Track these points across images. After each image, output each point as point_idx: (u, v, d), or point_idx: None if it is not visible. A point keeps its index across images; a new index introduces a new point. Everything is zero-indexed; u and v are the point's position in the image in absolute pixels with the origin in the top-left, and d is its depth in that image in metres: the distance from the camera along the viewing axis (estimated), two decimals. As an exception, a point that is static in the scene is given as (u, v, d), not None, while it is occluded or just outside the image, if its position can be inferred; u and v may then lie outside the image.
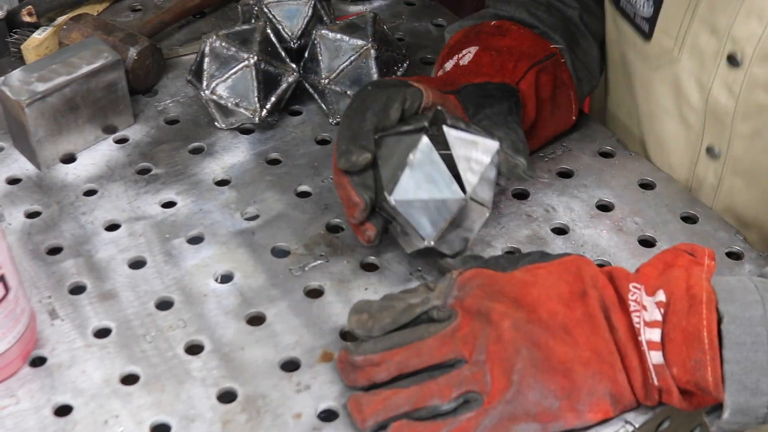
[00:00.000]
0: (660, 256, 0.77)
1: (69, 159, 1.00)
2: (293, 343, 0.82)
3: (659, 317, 0.72)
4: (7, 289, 0.76)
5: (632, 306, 0.73)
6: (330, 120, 1.05)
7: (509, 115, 0.90)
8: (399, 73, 1.04)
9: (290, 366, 0.80)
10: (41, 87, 0.95)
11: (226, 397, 0.78)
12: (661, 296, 0.72)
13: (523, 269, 0.77)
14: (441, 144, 0.80)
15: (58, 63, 0.98)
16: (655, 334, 0.71)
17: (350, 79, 1.02)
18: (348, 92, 1.02)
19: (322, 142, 1.03)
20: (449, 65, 0.95)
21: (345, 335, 0.82)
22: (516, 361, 0.72)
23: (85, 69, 0.97)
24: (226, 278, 0.87)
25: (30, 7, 1.09)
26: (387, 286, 0.86)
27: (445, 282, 0.77)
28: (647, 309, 0.73)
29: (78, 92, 0.97)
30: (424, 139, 0.80)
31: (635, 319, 0.73)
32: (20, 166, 0.99)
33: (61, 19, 1.12)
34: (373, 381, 0.75)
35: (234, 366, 0.80)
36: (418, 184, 0.80)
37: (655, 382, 0.72)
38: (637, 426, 0.75)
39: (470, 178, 0.80)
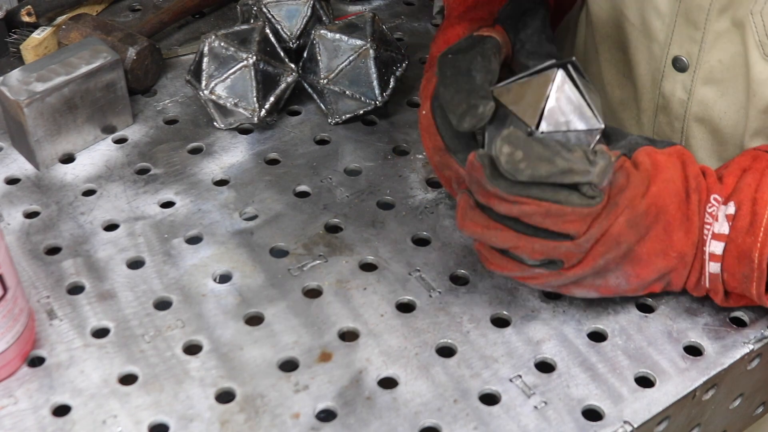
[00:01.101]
0: (739, 160, 0.80)
1: (68, 159, 1.00)
2: (292, 343, 0.82)
3: (726, 230, 0.77)
4: (5, 288, 0.76)
5: (707, 218, 0.78)
6: (329, 120, 1.05)
7: (542, 34, 0.88)
8: (398, 74, 1.04)
9: (289, 366, 0.80)
10: (40, 87, 0.95)
11: (225, 397, 0.78)
12: (731, 208, 0.77)
13: (646, 158, 0.78)
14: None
15: (57, 63, 0.98)
16: (718, 248, 0.78)
17: (349, 79, 1.02)
18: (347, 92, 1.02)
19: (321, 142, 1.03)
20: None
21: (344, 335, 0.82)
22: (610, 251, 0.76)
23: (84, 69, 0.97)
24: (224, 278, 0.87)
25: (29, 7, 1.10)
26: (386, 286, 0.86)
27: (605, 161, 0.73)
28: (718, 220, 0.78)
29: (77, 92, 0.97)
30: (560, 72, 0.77)
31: (705, 232, 0.78)
32: (19, 166, 0.99)
33: (60, 19, 1.12)
34: (490, 207, 0.74)
35: (232, 366, 0.80)
36: (562, 115, 0.77)
37: (707, 284, 0.80)
38: (636, 426, 0.76)
39: (599, 112, 0.78)
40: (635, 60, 0.92)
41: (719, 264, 0.78)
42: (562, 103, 0.77)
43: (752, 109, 0.85)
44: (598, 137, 0.78)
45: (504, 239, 0.75)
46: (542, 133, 0.76)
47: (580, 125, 0.77)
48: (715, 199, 0.78)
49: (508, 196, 0.72)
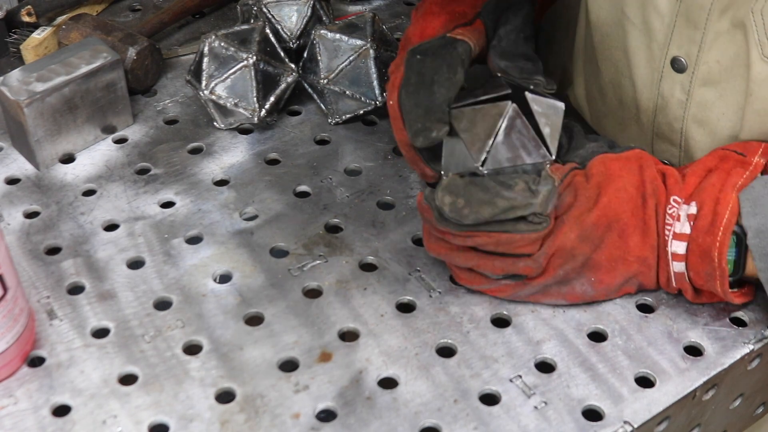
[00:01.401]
0: (706, 160, 0.83)
1: (68, 159, 1.00)
2: (292, 343, 0.82)
3: (688, 230, 0.79)
4: (5, 288, 0.76)
5: (667, 219, 0.80)
6: (329, 120, 1.05)
7: (521, 33, 0.90)
8: (398, 73, 1.04)
9: (289, 366, 0.80)
10: (40, 87, 0.95)
11: (225, 397, 0.78)
12: (693, 209, 0.79)
13: (599, 166, 0.81)
14: (522, 108, 0.82)
15: (57, 63, 0.98)
16: (681, 247, 0.80)
17: (349, 79, 1.02)
18: (347, 92, 1.02)
19: (321, 142, 1.03)
20: None
21: (344, 335, 0.82)
22: (567, 262, 0.80)
23: (84, 69, 0.97)
24: (224, 278, 0.87)
25: (29, 7, 1.10)
26: (386, 286, 0.86)
27: (548, 187, 0.78)
28: (680, 220, 0.80)
29: (77, 92, 0.97)
30: (512, 107, 0.81)
31: (666, 232, 0.80)
32: (19, 166, 0.99)
33: (60, 19, 1.12)
34: (446, 252, 0.81)
35: (232, 366, 0.80)
36: (509, 151, 0.81)
37: (674, 284, 0.82)
38: (636, 426, 0.75)
39: (553, 141, 0.82)
40: (634, 60, 0.92)
41: (683, 263, 0.80)
42: (512, 139, 0.80)
43: (749, 109, 0.85)
44: (548, 164, 0.81)
45: (466, 259, 0.81)
46: (486, 172, 0.80)
47: (528, 159, 0.81)
48: (675, 201, 0.80)
49: (458, 233, 0.78)
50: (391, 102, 0.88)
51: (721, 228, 0.78)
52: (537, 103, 0.82)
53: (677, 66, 0.89)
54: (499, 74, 0.86)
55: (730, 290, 0.80)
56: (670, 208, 0.80)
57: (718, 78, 0.87)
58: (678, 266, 0.80)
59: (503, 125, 0.80)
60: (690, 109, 0.90)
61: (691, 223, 0.79)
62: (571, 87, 1.07)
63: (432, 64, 0.84)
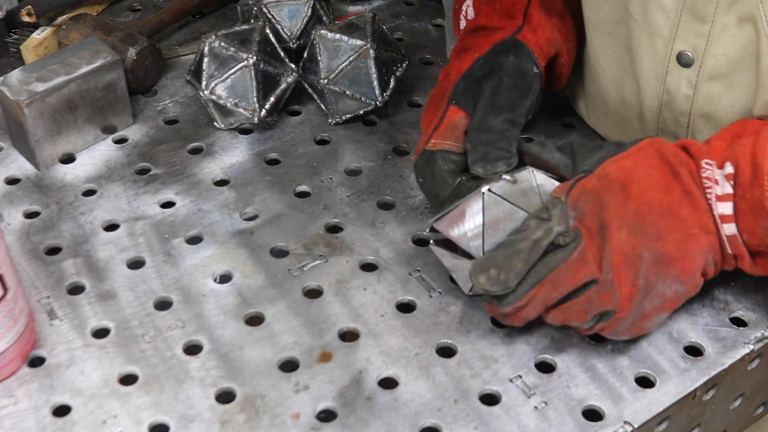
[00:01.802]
0: (729, 128, 0.81)
1: (68, 159, 1.00)
2: (292, 343, 0.82)
3: (730, 190, 0.77)
4: (5, 289, 0.76)
5: (705, 183, 0.77)
6: (329, 120, 1.05)
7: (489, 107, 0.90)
8: (398, 74, 1.04)
9: (289, 366, 0.80)
10: (40, 87, 0.95)
11: (225, 397, 0.78)
12: (729, 168, 0.77)
13: (612, 166, 0.79)
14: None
15: (57, 63, 0.98)
16: (727, 208, 0.77)
17: (349, 79, 1.02)
18: (347, 92, 1.02)
19: (321, 142, 1.03)
20: (462, 23, 0.98)
21: (344, 335, 0.82)
22: (639, 266, 0.75)
23: (84, 69, 0.97)
24: (225, 278, 0.87)
25: (29, 7, 1.10)
26: (386, 286, 0.86)
27: (557, 206, 0.77)
28: (719, 183, 0.77)
29: (77, 92, 0.97)
30: (486, 196, 0.82)
31: (708, 196, 0.77)
32: (19, 166, 0.99)
33: (60, 19, 1.12)
34: (526, 320, 0.79)
35: (233, 366, 0.80)
36: (501, 231, 0.81)
37: (729, 250, 0.78)
38: (636, 426, 0.75)
39: (531, 207, 0.81)
40: (638, 57, 0.92)
41: (733, 224, 0.77)
42: (498, 220, 0.80)
43: (759, 99, 0.85)
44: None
45: (554, 319, 0.79)
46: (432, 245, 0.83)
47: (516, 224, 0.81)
48: (707, 164, 0.78)
49: (522, 302, 0.77)
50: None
51: (766, 177, 0.75)
52: (506, 183, 0.83)
53: (683, 60, 0.89)
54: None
55: None
56: (704, 172, 0.78)
57: (726, 71, 0.86)
58: (728, 228, 0.77)
59: (487, 216, 0.81)
60: (697, 103, 0.90)
61: (731, 182, 0.77)
62: (568, 89, 1.07)
63: (509, 90, 0.88)
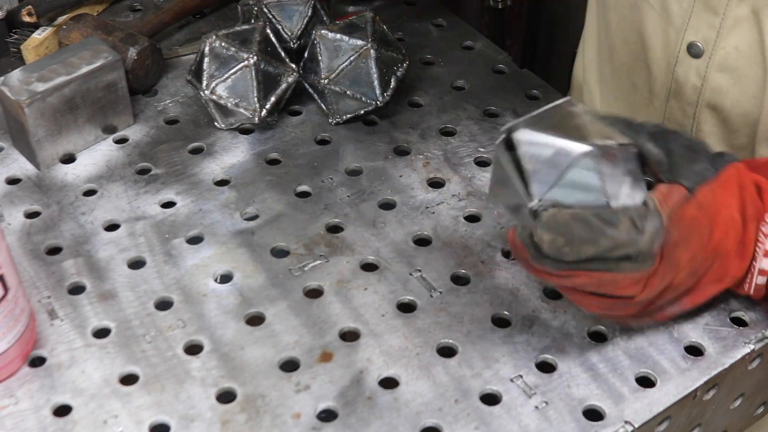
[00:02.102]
0: None
1: (69, 159, 1.00)
2: (293, 343, 0.82)
3: None
4: (6, 289, 0.76)
5: (759, 236, 0.77)
6: (330, 120, 1.04)
7: None
8: (399, 74, 1.04)
9: (289, 366, 0.80)
10: (41, 87, 0.95)
11: (226, 397, 0.78)
12: None
13: (709, 196, 0.75)
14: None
15: (57, 63, 0.98)
16: (766, 263, 0.77)
17: (350, 79, 1.02)
18: (348, 92, 1.02)
19: (322, 142, 1.03)
20: None
21: (344, 335, 0.82)
22: (668, 297, 0.76)
23: (85, 69, 0.97)
24: (225, 278, 0.87)
25: (30, 7, 1.09)
26: (386, 286, 0.86)
27: (655, 224, 0.71)
28: None
29: (78, 92, 0.97)
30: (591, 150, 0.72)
31: (757, 249, 0.77)
32: (20, 166, 0.99)
33: (60, 19, 1.12)
34: (542, 279, 0.77)
35: (233, 366, 0.80)
36: (572, 195, 0.73)
37: (751, 291, 0.79)
38: (636, 426, 0.76)
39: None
40: (650, 43, 0.91)
41: (766, 278, 0.78)
42: (577, 182, 0.72)
43: (767, 97, 0.85)
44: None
45: (564, 289, 0.76)
46: (537, 208, 0.72)
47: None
48: None
49: (557, 272, 0.72)
50: None
51: None
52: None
53: (694, 51, 0.88)
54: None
55: None
56: (763, 226, 0.77)
57: (735, 64, 0.86)
58: (761, 279, 0.78)
59: (574, 164, 0.72)
60: (704, 95, 0.89)
61: None
62: (582, 70, 1.06)
63: None
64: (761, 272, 0.77)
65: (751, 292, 0.79)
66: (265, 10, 1.07)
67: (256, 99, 1.00)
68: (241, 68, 0.99)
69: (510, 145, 0.74)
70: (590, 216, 0.71)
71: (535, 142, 0.74)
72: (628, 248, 0.70)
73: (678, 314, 0.80)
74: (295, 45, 1.07)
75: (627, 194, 0.73)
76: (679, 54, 0.89)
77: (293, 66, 1.03)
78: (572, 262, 0.71)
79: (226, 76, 0.99)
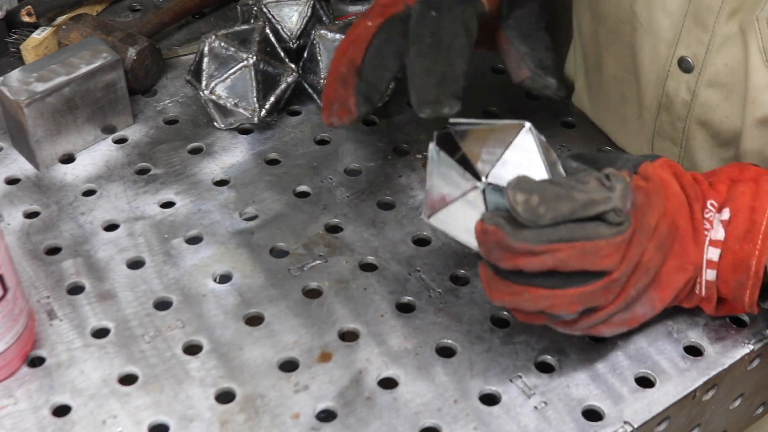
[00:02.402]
0: (726, 170, 0.79)
1: (68, 159, 1.00)
2: (292, 343, 0.82)
3: (722, 236, 0.75)
4: (5, 289, 0.76)
5: (705, 224, 0.76)
6: (329, 120, 1.04)
7: (539, 20, 0.85)
8: (398, 74, 1.04)
9: (289, 366, 0.80)
10: (40, 87, 0.95)
11: (225, 397, 0.78)
12: (726, 215, 0.76)
13: (653, 171, 0.75)
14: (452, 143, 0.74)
15: (57, 63, 0.98)
16: (715, 254, 0.76)
17: (349, 79, 1.02)
18: (347, 92, 1.02)
19: (321, 142, 1.03)
20: None
21: (344, 335, 0.82)
22: (642, 280, 0.73)
23: (84, 69, 0.97)
24: (224, 278, 0.87)
25: (29, 7, 1.09)
26: (386, 286, 0.86)
27: (621, 182, 0.69)
28: (713, 227, 0.76)
29: (77, 92, 0.97)
30: (527, 128, 0.72)
31: (704, 237, 0.76)
32: (19, 166, 0.99)
33: (60, 19, 1.12)
34: (519, 268, 0.68)
35: (232, 366, 0.80)
36: (516, 168, 0.71)
37: (702, 293, 0.78)
38: (636, 426, 0.75)
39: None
40: (640, 57, 0.91)
41: (715, 271, 0.76)
42: (517, 161, 0.71)
43: (748, 116, 0.85)
44: (482, 194, 0.71)
45: (537, 301, 0.70)
46: (489, 184, 0.70)
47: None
48: (711, 205, 0.76)
49: (538, 247, 0.67)
50: (348, 57, 0.78)
51: (760, 236, 0.74)
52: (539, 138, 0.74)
53: (684, 66, 0.88)
54: (509, 52, 0.79)
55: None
56: (707, 213, 0.76)
57: (725, 80, 0.86)
58: (711, 274, 0.76)
59: (514, 141, 0.71)
60: (694, 110, 0.90)
61: (725, 229, 0.75)
62: (574, 77, 1.06)
63: (450, 26, 0.76)
64: (709, 264, 0.76)
65: (703, 292, 0.77)
66: (265, 10, 1.07)
67: (255, 99, 1.00)
68: (240, 68, 0.99)
69: (443, 144, 0.73)
70: (559, 182, 0.68)
71: (470, 133, 0.73)
72: (603, 205, 0.68)
73: (649, 317, 0.77)
74: (295, 45, 1.07)
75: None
76: (670, 68, 0.89)
77: (293, 66, 1.03)
78: (551, 228, 0.67)
79: (226, 76, 0.99)
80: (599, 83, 0.99)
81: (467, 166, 0.71)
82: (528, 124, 0.72)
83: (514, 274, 0.69)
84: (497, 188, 0.70)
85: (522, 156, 0.71)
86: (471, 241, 0.71)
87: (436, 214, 0.74)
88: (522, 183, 0.67)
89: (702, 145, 0.90)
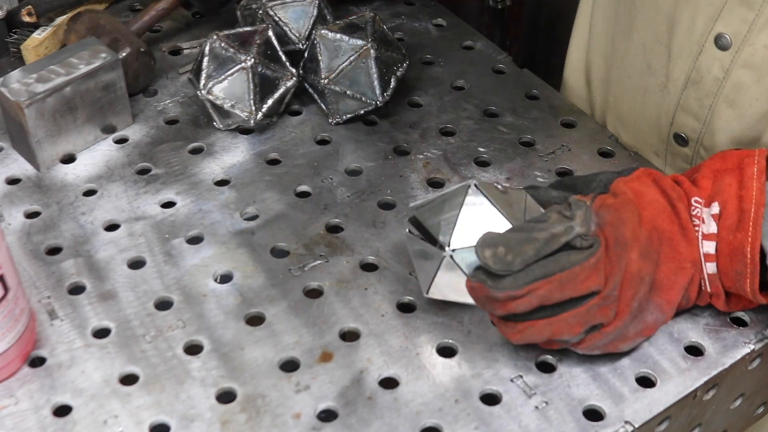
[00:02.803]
0: (708, 164, 0.80)
1: (68, 159, 1.00)
2: (293, 343, 0.82)
3: (715, 230, 0.77)
4: (6, 289, 0.76)
5: (693, 221, 0.78)
6: (330, 120, 1.04)
7: None
8: (399, 74, 1.04)
9: (290, 366, 0.80)
10: (40, 88, 0.95)
11: (226, 397, 0.78)
12: (715, 208, 0.77)
13: (625, 186, 0.77)
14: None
15: (56, 63, 0.98)
16: (711, 247, 0.77)
17: (350, 79, 1.02)
18: (348, 92, 1.02)
19: (322, 142, 1.03)
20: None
21: (344, 335, 0.82)
22: (639, 290, 0.75)
23: (84, 69, 0.97)
24: (225, 278, 0.87)
25: (30, 6, 1.09)
26: (386, 286, 0.86)
27: (581, 208, 0.74)
28: (705, 222, 0.77)
29: (77, 92, 0.97)
30: (472, 188, 0.79)
31: (696, 233, 0.77)
32: (20, 166, 0.99)
33: (60, 19, 1.12)
34: (512, 312, 0.74)
35: (233, 366, 0.80)
36: (474, 226, 0.78)
37: (708, 289, 0.79)
38: (636, 426, 0.76)
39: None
40: (676, 28, 0.89)
41: (715, 264, 0.78)
42: (474, 217, 0.78)
43: None
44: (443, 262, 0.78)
45: (540, 332, 0.75)
46: (454, 250, 0.77)
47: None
48: (696, 201, 0.78)
49: (520, 291, 0.72)
50: None
51: (751, 223, 0.75)
52: (490, 190, 0.80)
53: (721, 43, 0.87)
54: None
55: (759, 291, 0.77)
56: (693, 210, 0.78)
57: (761, 62, 0.85)
58: (711, 267, 0.78)
59: (465, 202, 0.78)
60: (724, 89, 0.89)
61: (717, 222, 0.77)
62: (582, 39, 1.05)
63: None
64: (707, 257, 0.77)
65: (708, 287, 0.79)
66: (271, 12, 1.07)
67: (251, 102, 1.00)
68: (237, 70, 0.99)
69: (416, 227, 0.81)
70: (520, 227, 0.74)
71: (429, 208, 0.80)
72: (565, 235, 0.73)
73: (665, 321, 0.78)
74: (304, 45, 1.07)
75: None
76: (705, 44, 0.88)
77: (293, 70, 1.03)
78: (525, 271, 0.72)
79: (223, 77, 0.99)
80: (626, 50, 0.97)
81: (432, 239, 0.79)
82: (473, 182, 0.79)
83: (514, 315, 0.75)
84: (466, 249, 0.77)
85: (476, 212, 0.78)
86: (468, 299, 0.77)
87: (430, 289, 0.81)
88: (487, 239, 0.73)
89: (725, 126, 0.89)
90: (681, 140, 0.94)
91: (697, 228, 0.77)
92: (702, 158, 0.95)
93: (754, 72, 0.86)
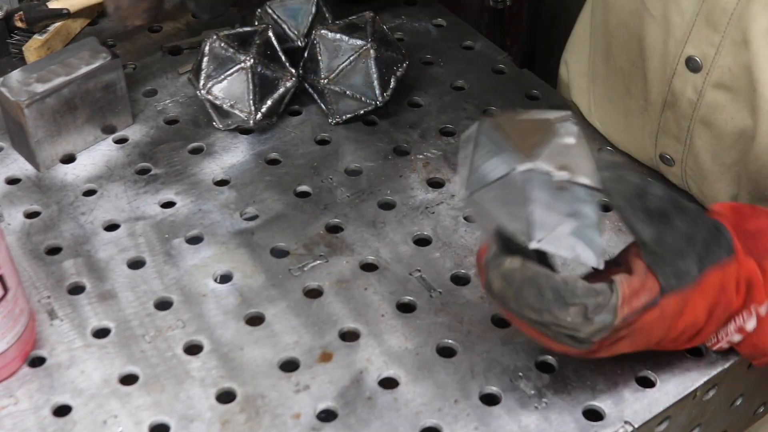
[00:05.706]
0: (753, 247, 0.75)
1: (68, 159, 1.00)
2: (292, 343, 0.82)
3: (753, 327, 0.74)
4: (6, 289, 0.76)
5: (721, 333, 0.76)
6: (329, 120, 1.04)
7: None
8: (399, 74, 1.04)
9: (289, 366, 0.80)
10: (40, 88, 0.95)
11: (225, 397, 0.78)
12: (763, 310, 0.74)
13: (676, 304, 0.71)
14: None
15: (56, 63, 0.98)
16: (737, 338, 0.75)
17: (350, 79, 1.02)
18: (347, 92, 1.02)
19: (322, 142, 1.03)
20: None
21: (344, 335, 0.82)
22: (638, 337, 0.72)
23: (84, 69, 0.97)
24: (225, 278, 0.87)
25: (21, 13, 1.09)
26: (386, 286, 0.86)
27: (605, 323, 0.69)
28: (749, 319, 0.74)
29: (77, 93, 0.97)
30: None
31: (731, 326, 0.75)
32: (19, 166, 0.99)
33: (56, 25, 1.11)
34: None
35: (233, 366, 0.80)
36: (562, 157, 0.70)
37: (724, 346, 0.77)
38: (636, 426, 0.75)
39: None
40: (648, 52, 0.91)
41: (741, 336, 0.76)
42: (564, 145, 0.70)
43: (763, 118, 0.84)
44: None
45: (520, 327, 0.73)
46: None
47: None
48: (752, 308, 0.74)
49: (503, 309, 0.72)
50: None
51: None
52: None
53: (692, 65, 0.88)
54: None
55: None
56: (737, 318, 0.75)
57: (731, 83, 0.86)
58: (737, 337, 0.76)
59: (559, 130, 0.71)
60: (699, 110, 0.89)
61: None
62: (571, 63, 1.06)
63: None
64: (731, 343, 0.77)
65: (724, 345, 0.78)
66: (270, 11, 1.07)
67: (251, 102, 1.00)
68: (237, 70, 0.99)
69: (488, 129, 0.73)
70: (546, 286, 0.69)
71: (516, 120, 0.73)
72: (568, 331, 0.69)
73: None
74: (303, 43, 1.07)
75: (563, 240, 0.69)
76: (677, 66, 0.89)
77: (292, 71, 1.03)
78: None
79: (223, 77, 0.99)
80: (606, 75, 0.99)
81: (515, 147, 0.70)
82: (569, 112, 0.72)
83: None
84: (544, 173, 0.69)
85: (567, 142, 0.70)
86: (509, 222, 0.70)
87: (479, 191, 0.71)
88: (507, 273, 0.69)
89: (706, 146, 0.90)
90: (667, 161, 0.94)
91: (724, 335, 0.76)
92: (690, 178, 0.94)
93: (727, 92, 0.86)
